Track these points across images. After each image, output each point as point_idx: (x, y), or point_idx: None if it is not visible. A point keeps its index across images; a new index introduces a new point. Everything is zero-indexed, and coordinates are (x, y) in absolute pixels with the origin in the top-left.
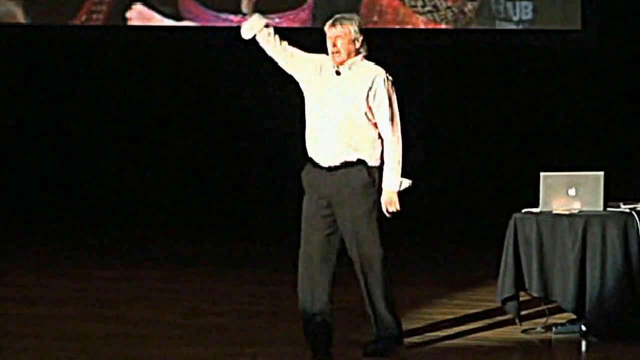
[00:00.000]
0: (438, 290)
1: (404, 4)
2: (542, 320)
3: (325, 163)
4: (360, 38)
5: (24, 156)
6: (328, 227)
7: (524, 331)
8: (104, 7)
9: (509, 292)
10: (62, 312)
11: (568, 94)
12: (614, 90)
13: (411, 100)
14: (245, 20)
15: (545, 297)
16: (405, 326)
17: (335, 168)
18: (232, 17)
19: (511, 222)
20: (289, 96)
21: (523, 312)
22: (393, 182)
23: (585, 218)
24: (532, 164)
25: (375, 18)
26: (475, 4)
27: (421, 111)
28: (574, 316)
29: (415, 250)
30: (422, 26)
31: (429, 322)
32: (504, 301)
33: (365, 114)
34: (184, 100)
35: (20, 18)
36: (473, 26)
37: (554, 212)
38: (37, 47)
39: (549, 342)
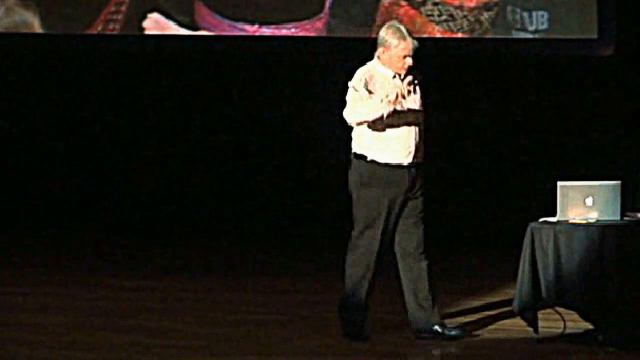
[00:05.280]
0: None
1: (420, 13)
2: (559, 330)
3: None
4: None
5: (42, 164)
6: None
7: (540, 341)
8: (120, 17)
9: (526, 301)
10: (77, 321)
11: (584, 102)
12: (631, 98)
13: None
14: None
15: (563, 307)
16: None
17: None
18: (247, 26)
19: (528, 232)
20: (304, 106)
21: (540, 322)
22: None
23: (602, 228)
24: (548, 172)
25: None
26: (492, 13)
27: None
28: (591, 326)
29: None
30: (438, 35)
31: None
32: (521, 311)
33: None
34: (200, 109)
35: (37, 28)
36: (489, 35)
37: (571, 221)
38: (53, 56)
39: (566, 352)
